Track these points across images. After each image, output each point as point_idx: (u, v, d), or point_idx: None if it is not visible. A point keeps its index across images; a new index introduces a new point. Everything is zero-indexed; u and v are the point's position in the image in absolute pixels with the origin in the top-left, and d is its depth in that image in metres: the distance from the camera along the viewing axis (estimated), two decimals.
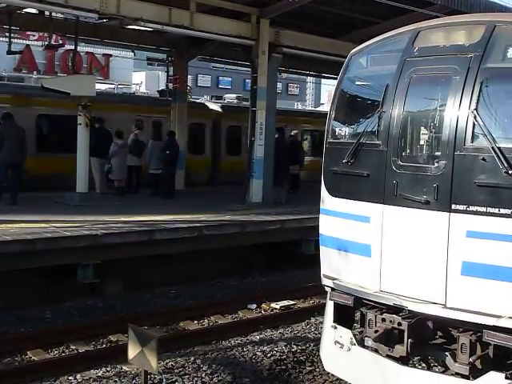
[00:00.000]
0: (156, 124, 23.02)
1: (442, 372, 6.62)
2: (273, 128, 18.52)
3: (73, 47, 17.96)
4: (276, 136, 18.94)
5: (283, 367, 8.79)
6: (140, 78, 37.36)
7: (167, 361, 8.69)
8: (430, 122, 6.46)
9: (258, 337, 10.04)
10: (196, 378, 8.23)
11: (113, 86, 35.28)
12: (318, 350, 8.22)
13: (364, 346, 6.83)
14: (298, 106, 42.84)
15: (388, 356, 6.52)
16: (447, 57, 6.41)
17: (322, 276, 7.44)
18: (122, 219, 13.92)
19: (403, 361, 6.54)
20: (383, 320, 6.49)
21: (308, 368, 8.81)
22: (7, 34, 17.53)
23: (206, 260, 13.80)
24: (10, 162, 15.44)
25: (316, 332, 10.15)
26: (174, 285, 12.88)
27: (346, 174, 7.15)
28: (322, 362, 7.83)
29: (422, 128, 6.63)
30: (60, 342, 9.44)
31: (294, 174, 21.46)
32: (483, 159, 5.90)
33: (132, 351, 6.59)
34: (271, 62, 18.11)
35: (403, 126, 6.63)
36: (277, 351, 9.32)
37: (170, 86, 22.28)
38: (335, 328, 7.27)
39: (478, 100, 6.02)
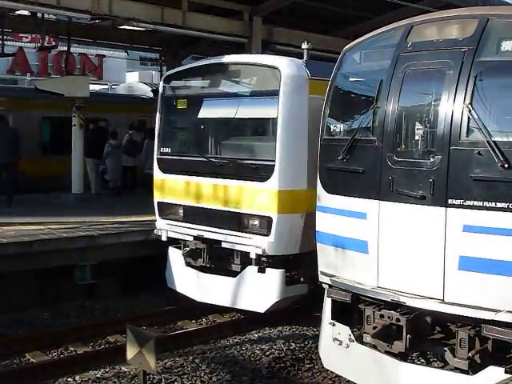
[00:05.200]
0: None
1: (441, 367, 6.62)
2: None
3: (66, 48, 17.91)
4: None
5: (282, 365, 8.78)
6: (133, 77, 37.29)
7: (166, 360, 8.68)
8: (425, 116, 6.45)
9: (256, 335, 10.02)
10: (195, 378, 8.22)
11: (106, 87, 35.25)
12: (317, 348, 8.22)
13: (363, 343, 6.84)
14: None
15: (387, 352, 6.53)
16: (441, 51, 6.40)
17: (319, 273, 7.44)
18: (118, 219, 13.87)
19: (402, 357, 6.55)
20: (381, 316, 6.49)
21: (307, 365, 8.79)
22: (0, 37, 17.45)
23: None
24: (3, 163, 15.38)
25: (314, 329, 10.12)
26: None
27: (341, 171, 7.15)
28: (320, 359, 7.85)
29: (417, 123, 6.61)
30: (58, 344, 9.41)
31: None
32: (479, 153, 5.90)
33: (130, 352, 6.56)
34: None
35: (398, 121, 6.62)
36: (275, 349, 9.31)
37: None
38: (333, 325, 7.28)
39: (473, 94, 6.02)
